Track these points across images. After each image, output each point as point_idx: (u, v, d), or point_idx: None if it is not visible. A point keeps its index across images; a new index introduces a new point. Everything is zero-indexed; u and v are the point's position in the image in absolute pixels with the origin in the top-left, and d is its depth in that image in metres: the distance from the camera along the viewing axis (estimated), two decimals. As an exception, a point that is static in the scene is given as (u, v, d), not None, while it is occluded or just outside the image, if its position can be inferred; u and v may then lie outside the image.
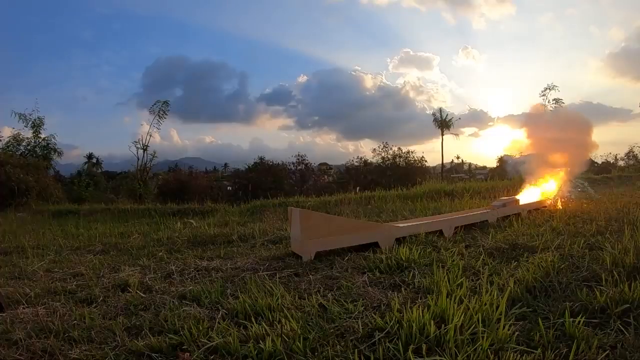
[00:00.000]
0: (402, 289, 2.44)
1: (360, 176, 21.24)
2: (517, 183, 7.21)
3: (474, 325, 1.74)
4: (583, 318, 1.77)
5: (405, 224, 4.01)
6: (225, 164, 62.75)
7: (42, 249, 4.36)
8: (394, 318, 1.88)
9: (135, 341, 1.84)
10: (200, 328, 1.92)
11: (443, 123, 34.37)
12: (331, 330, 1.86)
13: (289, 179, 20.30)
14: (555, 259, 2.72)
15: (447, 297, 1.98)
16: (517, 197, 5.64)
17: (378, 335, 1.77)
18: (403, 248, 3.28)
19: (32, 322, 2.14)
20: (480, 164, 40.94)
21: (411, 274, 2.70)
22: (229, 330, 1.90)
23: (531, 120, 6.77)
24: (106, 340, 1.90)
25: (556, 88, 23.84)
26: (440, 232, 4.08)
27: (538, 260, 2.68)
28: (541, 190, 6.18)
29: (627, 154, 24.04)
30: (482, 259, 2.94)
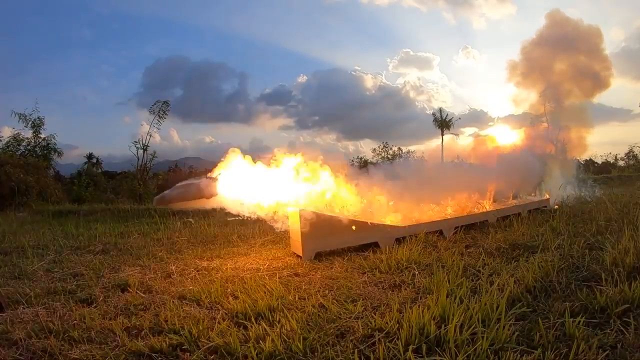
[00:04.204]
0: (402, 289, 2.44)
1: (360, 176, 21.22)
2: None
3: (474, 325, 1.74)
4: (583, 318, 1.77)
5: (405, 224, 4.01)
6: (226, 164, 62.50)
7: (42, 249, 4.35)
8: (394, 318, 1.88)
9: (135, 341, 1.84)
10: (200, 328, 1.93)
11: (443, 123, 34.40)
12: (331, 330, 1.86)
13: (289, 179, 20.24)
14: (555, 259, 2.72)
15: (447, 297, 1.98)
16: None
17: (378, 335, 1.77)
18: (403, 248, 3.29)
19: (32, 322, 2.14)
20: (481, 164, 40.78)
21: (411, 274, 2.71)
22: (229, 330, 1.90)
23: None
24: (106, 340, 1.90)
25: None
26: (440, 232, 4.08)
27: (538, 260, 2.68)
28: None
29: (627, 154, 24.05)
30: (482, 259, 2.94)
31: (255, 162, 3.68)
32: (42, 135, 14.36)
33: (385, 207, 4.18)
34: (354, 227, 3.57)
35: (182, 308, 2.26)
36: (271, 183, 3.65)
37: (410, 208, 4.41)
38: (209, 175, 3.45)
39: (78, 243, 4.64)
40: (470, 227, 4.41)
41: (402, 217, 4.23)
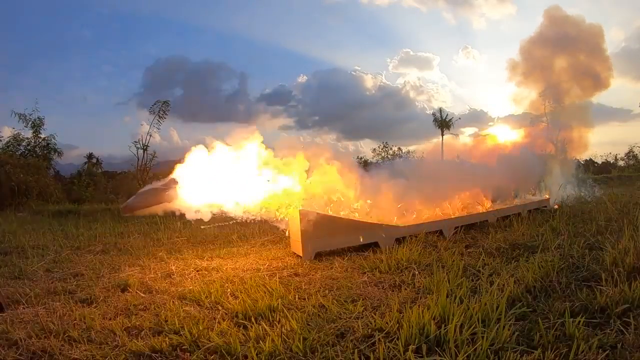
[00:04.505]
0: (402, 289, 2.44)
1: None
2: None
3: (474, 325, 1.74)
4: (583, 318, 1.77)
5: (405, 224, 4.01)
6: (225, 164, 62.38)
7: (42, 249, 4.35)
8: (394, 318, 1.88)
9: (135, 341, 1.84)
10: (201, 328, 1.93)
11: (443, 123, 34.42)
12: (331, 330, 1.86)
13: (289, 179, 20.23)
14: (555, 259, 2.71)
15: (447, 297, 1.98)
16: None
17: (378, 335, 1.77)
18: (403, 248, 3.29)
19: (32, 322, 2.14)
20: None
21: (411, 274, 2.71)
22: (229, 330, 1.90)
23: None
24: (106, 340, 1.90)
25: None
26: (440, 232, 4.08)
27: (538, 260, 2.68)
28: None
29: (627, 154, 24.13)
30: (482, 259, 2.94)
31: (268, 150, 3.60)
32: (42, 135, 14.36)
33: (392, 208, 4.19)
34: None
35: (182, 308, 2.26)
36: (268, 181, 3.62)
37: (418, 209, 4.37)
38: (170, 176, 3.24)
39: (78, 243, 4.64)
40: (470, 227, 4.41)
41: (410, 218, 4.22)
